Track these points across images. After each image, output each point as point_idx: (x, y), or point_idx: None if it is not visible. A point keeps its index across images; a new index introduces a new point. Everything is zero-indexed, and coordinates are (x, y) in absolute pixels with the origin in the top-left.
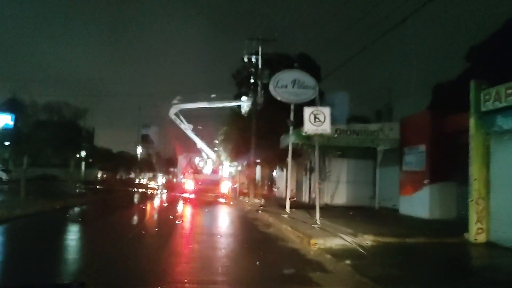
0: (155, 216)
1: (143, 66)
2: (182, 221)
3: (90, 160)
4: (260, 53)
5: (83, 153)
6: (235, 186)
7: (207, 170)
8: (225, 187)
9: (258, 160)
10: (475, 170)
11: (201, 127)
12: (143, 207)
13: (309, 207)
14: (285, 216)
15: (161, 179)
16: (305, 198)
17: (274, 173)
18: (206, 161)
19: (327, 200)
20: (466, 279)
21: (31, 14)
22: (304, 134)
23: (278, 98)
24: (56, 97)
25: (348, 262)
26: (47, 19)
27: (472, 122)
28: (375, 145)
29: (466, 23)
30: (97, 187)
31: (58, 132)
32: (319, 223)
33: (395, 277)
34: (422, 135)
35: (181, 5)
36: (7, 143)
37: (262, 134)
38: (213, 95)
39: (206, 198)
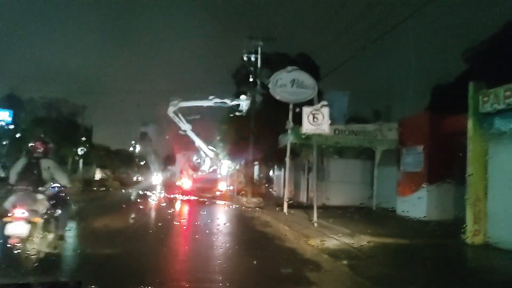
0: (153, 214)
1: (142, 63)
2: (180, 220)
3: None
4: (259, 52)
5: (81, 150)
6: (233, 185)
7: (205, 168)
8: (223, 186)
9: (256, 160)
10: (472, 171)
11: (198, 117)
12: (140, 206)
13: (307, 207)
14: (283, 215)
15: (159, 177)
16: (303, 197)
17: (272, 172)
18: (204, 160)
19: (325, 200)
20: (463, 280)
21: (30, 10)
22: (303, 136)
23: (277, 98)
24: (54, 94)
25: (345, 262)
26: (46, 15)
27: (470, 123)
28: (373, 146)
29: (465, 24)
30: (95, 189)
31: (56, 129)
32: (316, 223)
33: (391, 278)
34: (421, 136)
35: (181, 3)
36: (4, 140)
37: (260, 133)
38: (211, 97)
39: (203, 197)
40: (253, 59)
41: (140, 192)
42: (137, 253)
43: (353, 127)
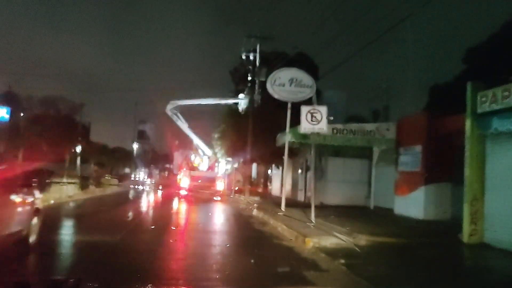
0: (150, 212)
1: (141, 61)
2: (177, 218)
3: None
4: (258, 50)
5: (78, 148)
6: (231, 184)
7: (203, 167)
8: (221, 184)
9: (254, 159)
10: (470, 171)
11: (197, 116)
12: (138, 204)
13: (305, 206)
14: (281, 214)
15: (156, 175)
16: (300, 196)
17: (270, 171)
18: (202, 158)
19: (323, 199)
20: (459, 280)
21: (29, 8)
22: (304, 135)
23: (275, 96)
24: (52, 91)
25: (342, 261)
26: (45, 12)
27: (468, 123)
28: (371, 145)
29: (464, 25)
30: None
31: (54, 127)
32: (314, 222)
33: (388, 277)
34: (418, 136)
35: (181, 1)
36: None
37: (258, 132)
38: (216, 98)
39: (201, 195)
40: (251, 57)
41: (139, 190)
42: (135, 250)
43: (351, 126)
